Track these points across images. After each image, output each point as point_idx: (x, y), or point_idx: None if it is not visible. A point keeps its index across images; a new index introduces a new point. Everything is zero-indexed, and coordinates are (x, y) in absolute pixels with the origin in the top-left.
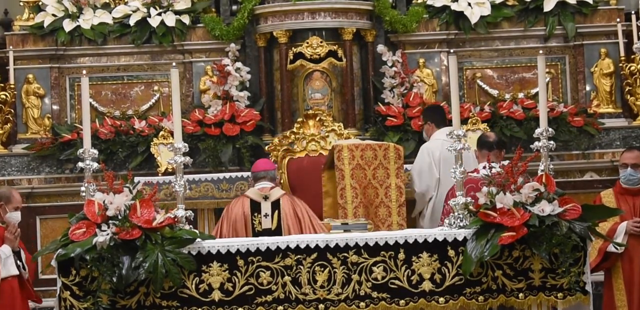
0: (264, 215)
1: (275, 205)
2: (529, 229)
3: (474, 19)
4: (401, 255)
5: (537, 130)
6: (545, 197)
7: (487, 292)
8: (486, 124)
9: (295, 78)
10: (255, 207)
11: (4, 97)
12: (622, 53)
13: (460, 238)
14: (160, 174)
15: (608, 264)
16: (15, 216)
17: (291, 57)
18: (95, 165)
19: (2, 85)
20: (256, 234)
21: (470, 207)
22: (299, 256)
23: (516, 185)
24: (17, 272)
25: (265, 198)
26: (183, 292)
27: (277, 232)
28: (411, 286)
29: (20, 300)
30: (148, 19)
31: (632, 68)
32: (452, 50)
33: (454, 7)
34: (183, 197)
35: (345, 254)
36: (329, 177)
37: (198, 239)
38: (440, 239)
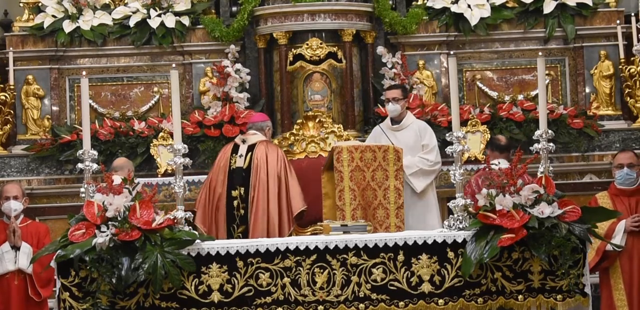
0: (239, 156)
1: (251, 148)
2: (528, 231)
3: (473, 21)
4: (400, 257)
5: (537, 132)
6: (545, 199)
7: (487, 293)
8: (486, 125)
9: (295, 79)
10: (235, 148)
11: (3, 98)
12: (621, 55)
13: (459, 240)
14: (159, 175)
15: (607, 263)
16: (7, 206)
17: (291, 59)
18: (95, 166)
19: (1, 86)
20: (230, 171)
21: (470, 209)
22: (298, 258)
23: (516, 187)
24: (13, 269)
25: (244, 141)
26: (182, 293)
27: (247, 170)
28: (410, 288)
29: (19, 298)
30: (148, 20)
31: (632, 70)
32: (451, 52)
33: (454, 9)
34: (182, 198)
35: (345, 256)
36: (329, 178)
37: (197, 241)
38: (439, 240)
